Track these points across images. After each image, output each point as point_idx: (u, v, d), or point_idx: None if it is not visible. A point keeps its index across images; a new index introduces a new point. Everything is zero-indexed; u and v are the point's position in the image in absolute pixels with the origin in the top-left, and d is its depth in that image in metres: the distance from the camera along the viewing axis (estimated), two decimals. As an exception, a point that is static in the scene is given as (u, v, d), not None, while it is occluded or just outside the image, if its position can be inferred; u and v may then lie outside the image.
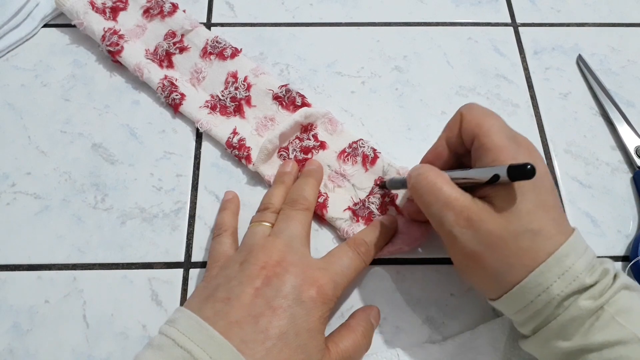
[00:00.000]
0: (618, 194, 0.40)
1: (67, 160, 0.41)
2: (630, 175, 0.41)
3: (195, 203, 0.39)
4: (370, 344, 0.33)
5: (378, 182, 0.39)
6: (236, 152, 0.40)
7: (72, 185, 0.40)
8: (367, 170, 0.39)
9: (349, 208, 0.38)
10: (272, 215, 0.35)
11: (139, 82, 0.44)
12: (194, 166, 0.41)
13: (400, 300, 0.36)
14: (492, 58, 0.47)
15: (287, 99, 0.42)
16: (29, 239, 0.38)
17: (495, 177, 0.27)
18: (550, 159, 0.42)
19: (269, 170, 0.39)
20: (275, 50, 0.46)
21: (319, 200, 0.38)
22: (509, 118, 0.43)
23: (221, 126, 0.41)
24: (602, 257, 0.37)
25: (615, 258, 0.38)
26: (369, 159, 0.39)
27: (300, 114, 0.39)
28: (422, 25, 0.48)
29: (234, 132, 0.41)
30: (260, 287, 0.29)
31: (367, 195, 0.38)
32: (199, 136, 0.42)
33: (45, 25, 0.47)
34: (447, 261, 0.37)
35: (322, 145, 0.40)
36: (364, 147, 0.39)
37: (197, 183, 0.40)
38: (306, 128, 0.41)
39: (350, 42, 0.47)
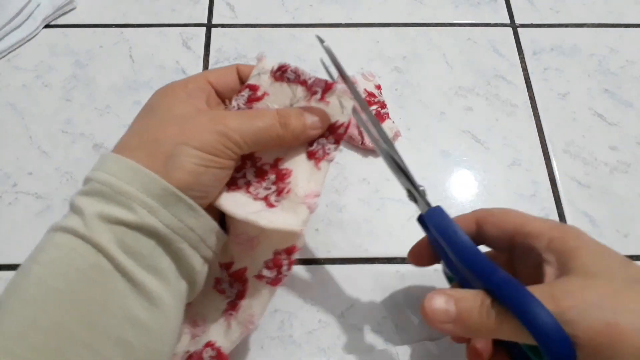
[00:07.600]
0: (616, 194, 0.41)
1: (68, 161, 0.41)
2: (627, 174, 0.41)
3: (196, 203, 0.39)
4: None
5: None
6: None
7: (74, 186, 0.40)
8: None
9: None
10: None
11: (139, 82, 0.45)
12: (195, 166, 0.41)
13: (400, 300, 0.36)
14: (491, 58, 0.47)
15: None
16: (30, 239, 0.37)
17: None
18: (549, 159, 0.42)
19: None
20: (276, 51, 0.47)
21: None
22: (508, 118, 0.44)
23: None
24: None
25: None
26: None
27: None
28: (422, 26, 0.49)
29: None
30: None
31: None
32: (199, 136, 0.42)
33: (47, 26, 0.48)
34: (446, 261, 0.38)
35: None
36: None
37: (197, 183, 0.40)
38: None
39: (350, 43, 0.47)
